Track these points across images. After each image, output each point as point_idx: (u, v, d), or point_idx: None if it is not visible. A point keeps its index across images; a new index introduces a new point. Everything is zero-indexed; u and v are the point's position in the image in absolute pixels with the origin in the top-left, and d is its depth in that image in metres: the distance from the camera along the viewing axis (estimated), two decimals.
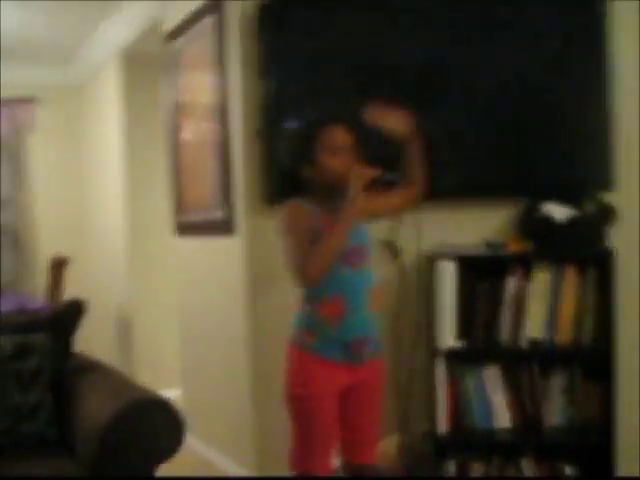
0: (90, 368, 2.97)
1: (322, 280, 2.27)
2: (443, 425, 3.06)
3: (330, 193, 2.37)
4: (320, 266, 2.24)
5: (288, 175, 2.50)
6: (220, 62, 3.37)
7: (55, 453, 2.64)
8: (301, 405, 2.38)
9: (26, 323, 2.98)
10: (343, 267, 2.32)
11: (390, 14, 3.20)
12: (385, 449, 3.19)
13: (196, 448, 3.95)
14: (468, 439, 3.12)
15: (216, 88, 3.42)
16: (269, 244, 3.27)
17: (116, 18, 4.98)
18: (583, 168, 3.20)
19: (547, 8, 3.15)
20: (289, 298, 3.29)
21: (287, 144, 2.56)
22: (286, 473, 3.18)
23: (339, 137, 2.37)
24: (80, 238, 6.39)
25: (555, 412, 3.08)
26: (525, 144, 3.25)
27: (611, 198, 3.09)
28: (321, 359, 2.35)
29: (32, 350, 2.82)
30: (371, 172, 2.33)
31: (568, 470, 3.05)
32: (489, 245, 3.14)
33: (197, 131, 3.79)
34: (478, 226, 3.27)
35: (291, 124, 3.19)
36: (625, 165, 3.15)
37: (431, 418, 3.05)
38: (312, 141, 2.35)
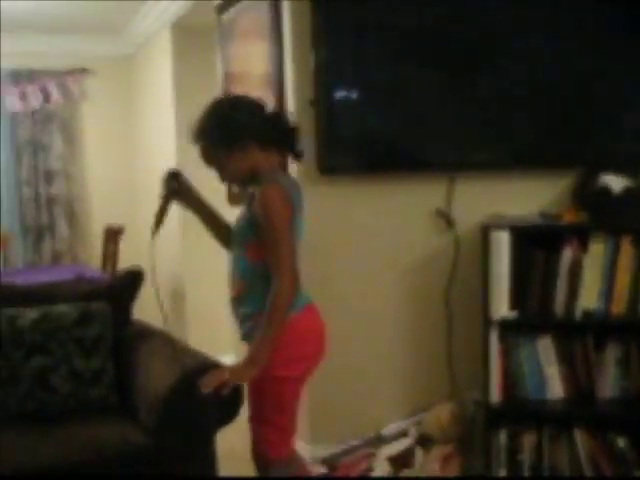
0: (149, 335, 3.04)
1: None
2: (495, 394, 3.07)
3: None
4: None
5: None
6: (274, 31, 3.37)
7: (118, 418, 2.72)
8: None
9: (87, 291, 3.07)
10: None
11: None
12: (438, 416, 3.22)
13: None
14: (520, 409, 3.13)
15: (270, 57, 3.43)
16: (324, 213, 3.30)
17: None
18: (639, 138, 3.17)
19: None
20: (343, 266, 3.33)
21: None
22: (335, 442, 3.25)
23: None
24: (132, 208, 6.48)
25: (609, 384, 3.08)
26: (581, 114, 3.23)
27: None
28: None
29: (93, 318, 2.89)
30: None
31: (620, 442, 3.05)
32: (544, 216, 3.12)
33: None
34: (533, 197, 3.26)
35: (343, 93, 3.20)
36: None
37: (484, 387, 3.07)
38: None
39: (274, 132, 2.33)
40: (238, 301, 2.35)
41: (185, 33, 5.27)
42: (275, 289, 2.17)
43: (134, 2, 5.34)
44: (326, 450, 3.34)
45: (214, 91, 4.29)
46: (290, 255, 2.21)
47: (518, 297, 3.02)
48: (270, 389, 2.30)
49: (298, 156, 2.43)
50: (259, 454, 2.40)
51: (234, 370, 2.23)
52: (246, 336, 2.34)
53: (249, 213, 2.29)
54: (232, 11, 3.85)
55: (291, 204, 2.25)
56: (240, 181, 2.38)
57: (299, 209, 2.32)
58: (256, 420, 2.38)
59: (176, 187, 2.44)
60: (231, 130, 2.28)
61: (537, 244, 3.05)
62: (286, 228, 2.21)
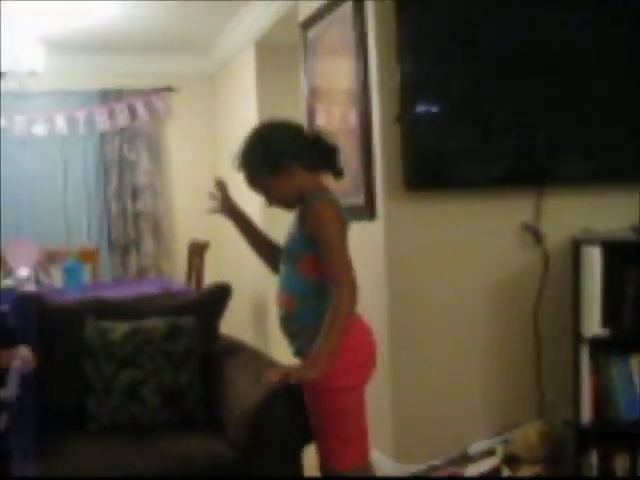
0: (236, 350, 3.07)
1: None
2: (586, 414, 2.99)
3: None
4: None
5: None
6: (359, 47, 3.38)
7: (206, 433, 2.74)
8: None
9: (175, 306, 3.12)
10: None
11: None
12: (526, 435, 3.15)
13: None
14: (612, 430, 3.04)
15: (355, 73, 3.44)
16: (410, 229, 3.29)
17: (251, 8, 5.09)
18: None
19: None
20: (429, 282, 3.31)
21: None
22: (421, 460, 3.21)
23: None
24: (216, 222, 6.56)
25: None
26: None
27: None
28: None
29: (182, 332, 2.94)
30: None
31: None
32: (636, 230, 3.04)
33: (334, 116, 3.83)
34: (624, 210, 3.18)
35: (427, 108, 3.20)
36: None
37: (574, 406, 2.99)
38: None
39: (316, 153, 2.38)
40: (289, 317, 2.39)
41: (268, 50, 5.37)
42: (337, 299, 2.21)
43: (218, 21, 5.46)
44: (412, 468, 3.32)
45: (298, 108, 4.34)
46: (348, 267, 2.27)
47: (610, 314, 2.94)
48: (329, 401, 2.32)
49: (339, 175, 2.45)
50: (327, 468, 2.41)
51: (297, 368, 2.26)
52: (299, 352, 2.38)
53: (302, 229, 2.34)
54: (317, 27, 3.89)
55: (343, 218, 2.31)
56: (287, 203, 2.42)
57: (349, 223, 2.36)
58: (320, 434, 2.40)
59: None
60: (275, 155, 2.34)
61: (630, 259, 2.96)
62: (342, 242, 2.29)
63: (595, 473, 3.00)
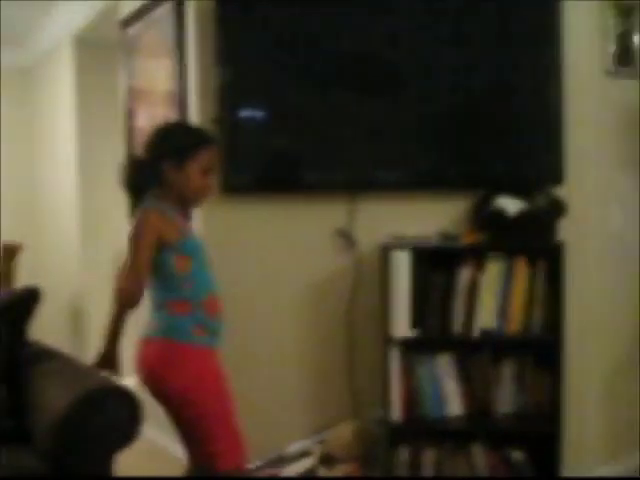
0: (46, 357, 2.94)
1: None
2: (397, 412, 3.10)
3: (183, 200, 2.51)
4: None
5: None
6: (177, 48, 3.35)
7: (12, 443, 2.61)
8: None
9: None
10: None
11: (347, 3, 3.23)
12: (341, 434, 3.23)
13: (152, 436, 3.94)
14: (421, 426, 3.17)
15: (173, 74, 3.41)
16: (228, 234, 3.30)
17: (69, 1, 4.91)
18: (534, 163, 3.27)
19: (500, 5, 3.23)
20: (246, 287, 3.32)
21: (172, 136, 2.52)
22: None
23: (214, 158, 2.51)
24: (32, 225, 6.28)
25: (505, 399, 3.15)
26: (478, 138, 3.30)
27: (560, 192, 3.17)
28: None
29: None
30: None
31: (517, 456, 3.13)
32: (443, 236, 3.19)
33: (152, 117, 3.77)
34: (434, 218, 3.31)
35: (247, 112, 3.21)
36: (574, 159, 3.23)
37: (384, 405, 3.10)
38: (192, 150, 2.43)
39: None
40: None
41: (87, 47, 5.19)
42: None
43: (33, 11, 5.21)
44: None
45: (116, 106, 4.24)
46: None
47: (418, 316, 3.06)
48: None
49: None
50: None
51: None
52: None
53: None
54: (137, 26, 3.82)
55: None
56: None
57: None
58: None
59: None
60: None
61: (437, 264, 3.10)
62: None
63: (406, 467, 3.12)
